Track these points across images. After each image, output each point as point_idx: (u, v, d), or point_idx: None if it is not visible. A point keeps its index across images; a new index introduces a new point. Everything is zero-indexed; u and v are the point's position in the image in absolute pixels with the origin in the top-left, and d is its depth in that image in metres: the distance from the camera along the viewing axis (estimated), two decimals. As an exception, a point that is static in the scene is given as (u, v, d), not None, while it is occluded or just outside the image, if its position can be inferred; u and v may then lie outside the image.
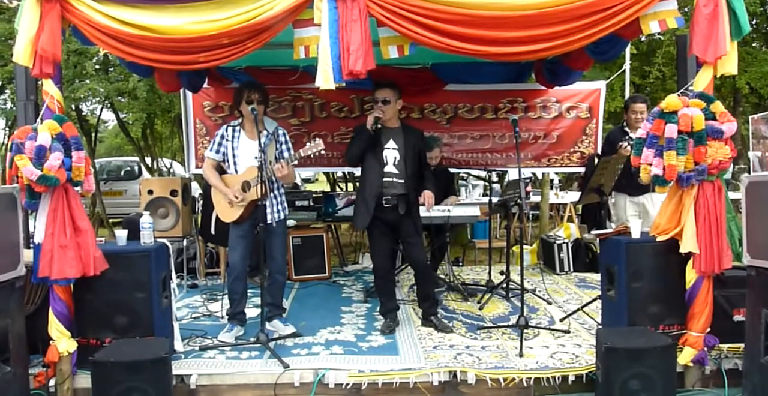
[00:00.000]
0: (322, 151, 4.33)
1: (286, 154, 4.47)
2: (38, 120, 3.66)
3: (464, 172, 11.65)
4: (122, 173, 13.43)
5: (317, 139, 4.31)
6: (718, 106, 3.61)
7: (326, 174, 12.48)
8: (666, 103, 3.63)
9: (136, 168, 13.28)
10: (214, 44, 3.70)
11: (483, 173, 10.30)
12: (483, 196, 11.45)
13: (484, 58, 3.92)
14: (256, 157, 4.18)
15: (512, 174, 8.07)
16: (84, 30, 3.71)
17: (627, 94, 7.46)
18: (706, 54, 3.60)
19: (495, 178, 11.19)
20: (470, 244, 8.31)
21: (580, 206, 8.95)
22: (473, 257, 8.11)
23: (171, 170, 13.38)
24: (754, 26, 12.01)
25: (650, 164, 3.65)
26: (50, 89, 3.68)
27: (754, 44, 11.53)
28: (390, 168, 4.57)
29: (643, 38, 10.31)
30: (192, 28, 3.66)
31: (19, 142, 3.52)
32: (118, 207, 12.21)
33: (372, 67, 3.65)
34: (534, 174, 10.54)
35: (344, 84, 3.70)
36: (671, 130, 3.56)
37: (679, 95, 3.69)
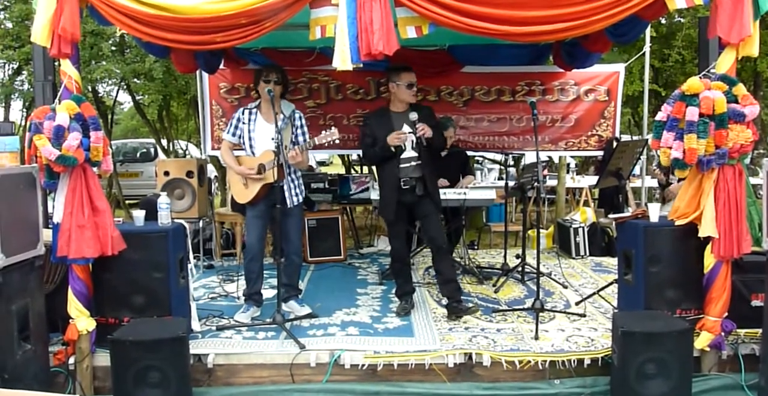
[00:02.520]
0: (337, 140, 4.31)
1: (300, 139, 4.45)
2: (56, 100, 3.67)
3: (479, 156, 11.60)
4: (138, 155, 13.52)
5: (333, 128, 4.28)
6: (740, 89, 3.55)
7: (341, 156, 12.47)
8: (687, 85, 3.57)
9: (152, 150, 13.35)
10: (232, 24, 3.67)
11: (499, 157, 10.26)
12: (498, 179, 11.41)
13: (503, 38, 3.87)
14: (272, 139, 4.18)
15: (529, 157, 8.01)
16: (101, 9, 3.69)
17: (646, 78, 7.35)
18: (731, 35, 3.53)
19: (511, 162, 11.14)
20: (486, 227, 8.29)
21: (596, 190, 8.93)
22: (488, 241, 8.09)
23: (187, 152, 13.43)
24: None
25: (670, 147, 3.60)
26: (68, 69, 3.68)
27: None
28: (409, 153, 4.45)
29: (663, 21, 10.17)
30: (209, 7, 3.63)
31: (38, 122, 3.53)
32: (134, 188, 12.33)
33: (396, 48, 3.61)
34: (551, 157, 10.48)
35: (361, 65, 3.67)
36: (692, 113, 3.51)
37: (701, 78, 3.63)
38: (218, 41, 3.77)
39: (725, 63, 3.63)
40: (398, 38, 3.70)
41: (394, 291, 4.86)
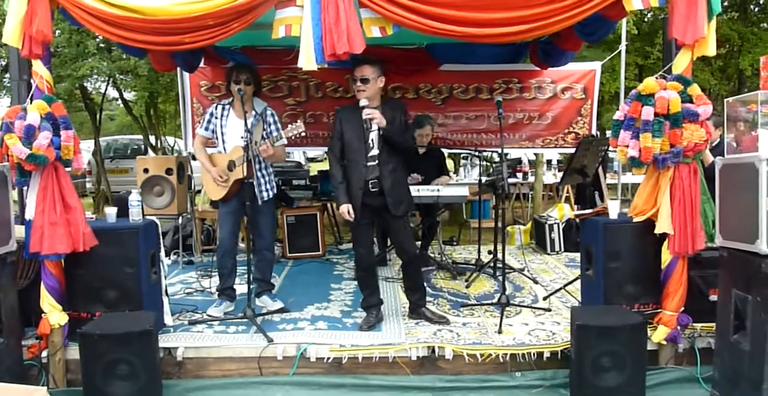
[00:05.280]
0: (302, 133, 4.38)
1: (274, 134, 4.52)
2: (28, 100, 3.75)
3: (466, 152, 11.69)
4: (129, 151, 13.61)
5: (299, 121, 4.37)
6: (695, 89, 3.64)
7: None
8: (643, 85, 3.66)
9: (143, 146, 13.42)
10: (199, 25, 3.74)
11: (485, 153, 10.35)
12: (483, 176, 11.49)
13: (465, 39, 3.93)
14: (242, 137, 4.26)
15: (509, 154, 8.11)
16: (71, 11, 3.76)
17: (622, 75, 7.46)
18: (685, 36, 3.62)
19: (496, 159, 11.21)
20: (466, 223, 8.38)
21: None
22: (469, 236, 8.17)
23: (175, 149, 13.49)
24: (761, 6, 11.88)
25: (627, 146, 3.69)
26: (39, 69, 3.76)
27: (762, 24, 11.43)
28: (376, 151, 4.22)
29: (645, 19, 10.27)
30: (177, 9, 3.70)
31: (9, 122, 3.61)
32: (124, 185, 12.33)
33: (363, 47, 3.68)
34: (532, 155, 10.57)
35: (326, 65, 3.74)
36: (648, 113, 3.60)
37: (657, 78, 3.72)
38: (187, 42, 3.85)
39: (681, 63, 3.71)
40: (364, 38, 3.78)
41: (360, 302, 4.51)
